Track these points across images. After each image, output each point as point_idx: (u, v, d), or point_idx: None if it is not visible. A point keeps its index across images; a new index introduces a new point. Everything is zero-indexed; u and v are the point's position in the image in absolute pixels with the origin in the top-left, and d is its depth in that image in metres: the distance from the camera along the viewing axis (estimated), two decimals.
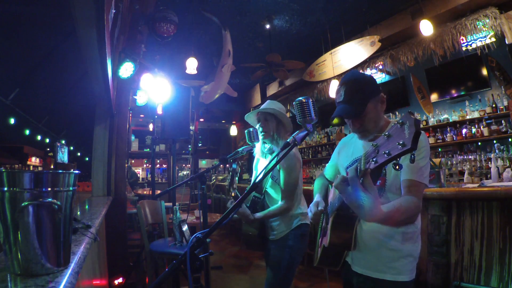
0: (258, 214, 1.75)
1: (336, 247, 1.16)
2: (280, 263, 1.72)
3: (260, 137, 1.84)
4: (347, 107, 1.15)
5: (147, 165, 13.11)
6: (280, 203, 1.74)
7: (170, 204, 3.76)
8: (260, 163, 1.94)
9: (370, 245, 1.16)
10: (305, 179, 5.80)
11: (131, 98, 4.27)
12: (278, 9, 4.59)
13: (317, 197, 1.36)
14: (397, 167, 0.71)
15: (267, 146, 1.87)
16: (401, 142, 0.67)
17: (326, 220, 1.24)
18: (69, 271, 0.72)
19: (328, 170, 1.48)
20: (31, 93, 6.12)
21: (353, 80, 1.19)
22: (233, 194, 1.81)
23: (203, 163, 12.07)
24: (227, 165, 10.05)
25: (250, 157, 1.98)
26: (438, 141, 4.68)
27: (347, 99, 1.16)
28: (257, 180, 1.09)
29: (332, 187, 1.31)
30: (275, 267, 1.73)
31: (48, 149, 13.92)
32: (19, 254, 0.68)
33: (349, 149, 1.32)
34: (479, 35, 4.04)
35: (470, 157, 4.12)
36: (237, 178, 1.87)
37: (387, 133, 0.73)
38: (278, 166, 1.73)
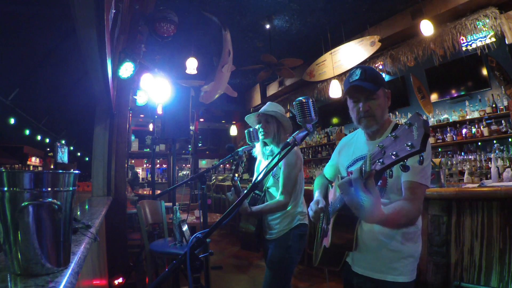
0: (256, 207, 1.76)
1: (337, 247, 1.16)
2: (278, 263, 1.72)
3: (260, 137, 1.85)
4: (364, 83, 1.14)
5: (147, 165, 13.13)
6: (278, 197, 1.74)
7: (170, 204, 3.76)
8: (262, 164, 1.95)
9: (370, 245, 1.16)
10: (305, 179, 5.79)
11: (131, 98, 4.27)
12: (278, 9, 4.59)
13: (317, 196, 1.36)
14: (404, 169, 0.70)
15: (269, 148, 1.88)
16: (409, 144, 0.66)
17: (327, 221, 1.24)
18: (69, 271, 0.72)
19: (328, 169, 1.48)
20: (31, 93, 6.11)
21: (368, 66, 1.23)
22: (235, 183, 1.80)
23: (203, 163, 12.08)
24: (230, 163, 10.04)
25: (250, 157, 1.97)
26: (438, 141, 4.68)
27: (362, 78, 1.15)
28: (256, 181, 1.09)
29: (333, 187, 1.31)
30: (273, 266, 1.73)
31: (48, 149, 13.90)
32: (19, 254, 0.68)
33: (350, 149, 1.32)
34: (479, 35, 4.04)
35: (470, 157, 4.12)
36: (242, 167, 1.85)
37: (394, 134, 0.72)
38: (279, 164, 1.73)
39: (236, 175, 1.80)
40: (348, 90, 1.18)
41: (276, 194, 1.80)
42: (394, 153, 0.70)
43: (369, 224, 1.16)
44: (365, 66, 1.21)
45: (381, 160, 0.75)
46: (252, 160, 2.03)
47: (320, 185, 1.45)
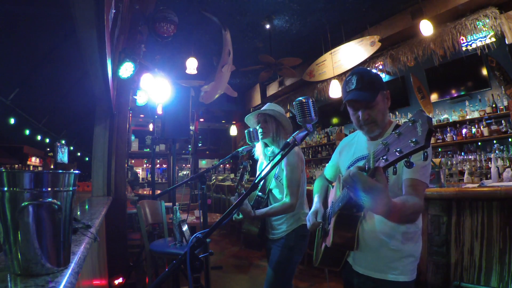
0: (260, 211, 1.74)
1: (338, 247, 1.16)
2: (280, 263, 1.72)
3: (260, 137, 1.84)
4: (361, 93, 1.14)
5: (147, 165, 13.12)
6: (283, 199, 1.73)
7: (170, 204, 3.76)
8: (264, 165, 1.94)
9: (371, 245, 1.16)
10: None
11: (131, 98, 4.27)
12: (278, 9, 4.59)
13: (316, 204, 1.35)
14: (408, 165, 0.70)
15: (270, 149, 1.88)
16: (413, 140, 0.67)
17: (328, 221, 1.24)
18: (69, 271, 0.72)
19: (329, 170, 1.48)
20: (31, 93, 6.11)
21: (364, 71, 1.21)
22: (239, 191, 1.80)
23: (203, 163, 12.07)
24: (230, 163, 10.04)
25: (250, 157, 1.98)
26: (438, 141, 4.68)
27: (359, 86, 1.15)
28: (256, 180, 1.09)
29: (333, 188, 1.31)
30: (275, 266, 1.73)
31: (48, 149, 13.90)
32: (19, 254, 0.68)
33: (351, 149, 1.32)
34: (479, 35, 4.04)
35: (470, 157, 4.12)
36: (246, 176, 1.85)
37: (398, 131, 0.72)
38: (280, 165, 1.73)
39: (242, 183, 1.80)
40: (349, 97, 1.18)
41: (279, 195, 1.80)
42: (398, 149, 0.70)
43: (370, 223, 1.16)
44: (361, 71, 1.19)
45: (385, 157, 0.75)
46: (252, 159, 2.03)
47: (320, 188, 1.45)
